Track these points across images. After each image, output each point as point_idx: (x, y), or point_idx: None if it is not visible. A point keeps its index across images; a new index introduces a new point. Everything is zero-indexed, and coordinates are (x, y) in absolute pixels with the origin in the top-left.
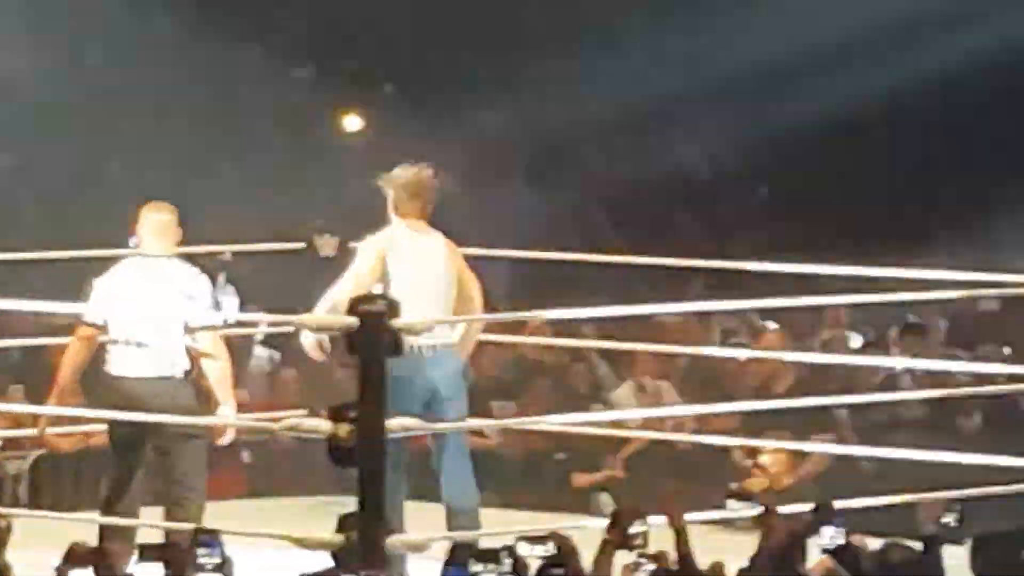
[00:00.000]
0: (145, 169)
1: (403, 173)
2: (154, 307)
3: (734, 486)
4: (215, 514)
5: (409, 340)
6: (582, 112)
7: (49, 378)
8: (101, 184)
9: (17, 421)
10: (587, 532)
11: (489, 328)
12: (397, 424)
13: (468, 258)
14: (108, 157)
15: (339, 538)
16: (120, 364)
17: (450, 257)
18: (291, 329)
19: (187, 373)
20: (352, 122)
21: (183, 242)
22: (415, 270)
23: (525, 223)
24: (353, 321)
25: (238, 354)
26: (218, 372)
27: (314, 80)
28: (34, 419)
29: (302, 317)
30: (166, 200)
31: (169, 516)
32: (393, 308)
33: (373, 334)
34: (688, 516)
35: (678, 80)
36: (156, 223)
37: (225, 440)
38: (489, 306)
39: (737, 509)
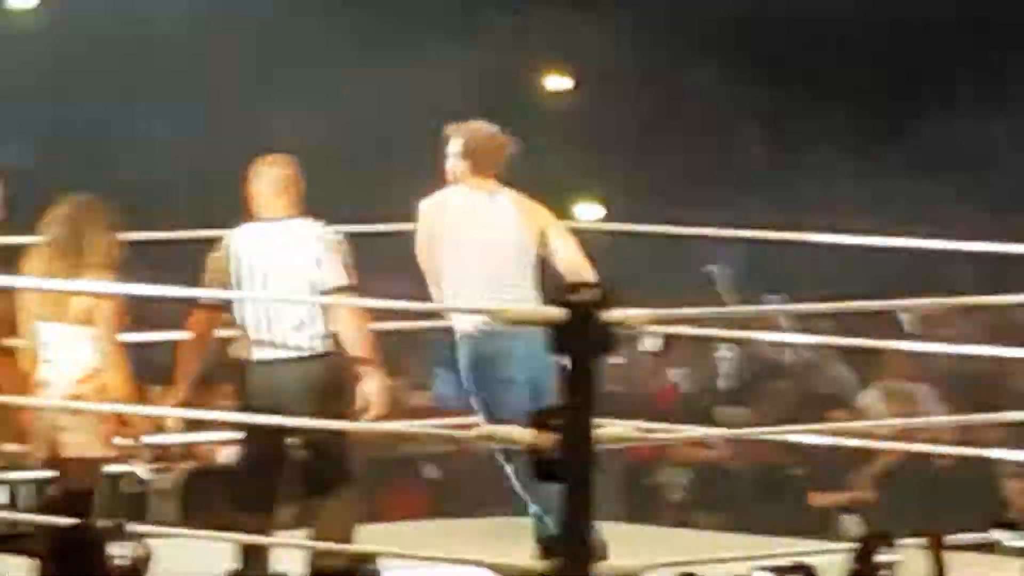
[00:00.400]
0: None
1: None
2: (281, 277)
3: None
4: (396, 536)
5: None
6: None
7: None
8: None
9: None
10: (829, 560)
11: (716, 321)
12: (608, 433)
13: None
14: None
15: (540, 564)
16: (251, 348)
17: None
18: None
19: (328, 352)
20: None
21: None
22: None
23: None
24: (560, 313)
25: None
26: (357, 340)
27: None
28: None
29: (501, 308)
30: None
31: (316, 532)
32: (607, 298)
33: (583, 328)
34: (949, 542)
35: None
36: (274, 179)
37: (373, 414)
38: None
39: (1007, 538)
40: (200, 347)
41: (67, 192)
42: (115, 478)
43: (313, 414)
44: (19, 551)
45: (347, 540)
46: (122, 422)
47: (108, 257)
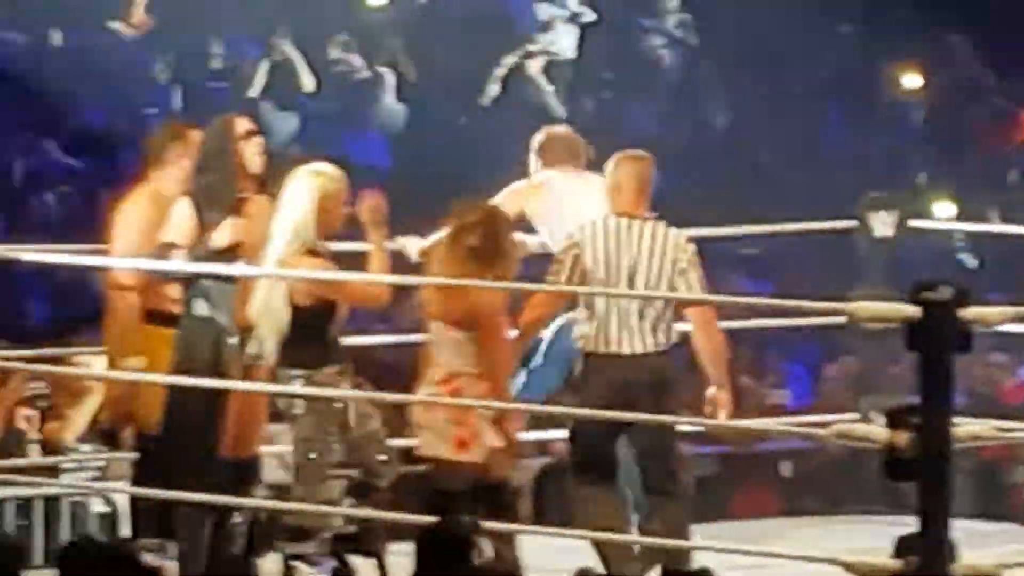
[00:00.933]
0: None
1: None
2: (644, 276)
3: None
4: (749, 534)
5: None
6: None
7: None
8: None
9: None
10: None
11: None
12: (965, 431)
13: None
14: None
15: (896, 563)
16: (607, 341)
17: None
18: (842, 320)
19: (670, 348)
20: (910, 80)
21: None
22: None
23: None
24: (915, 311)
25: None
26: (712, 348)
27: (862, 34)
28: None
29: (854, 305)
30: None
31: (652, 530)
32: (963, 295)
33: (939, 326)
34: None
35: None
36: (639, 174)
37: (722, 418)
38: None
39: None
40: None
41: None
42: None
43: (657, 410)
44: (363, 551)
45: (681, 538)
46: (497, 423)
47: (513, 269)
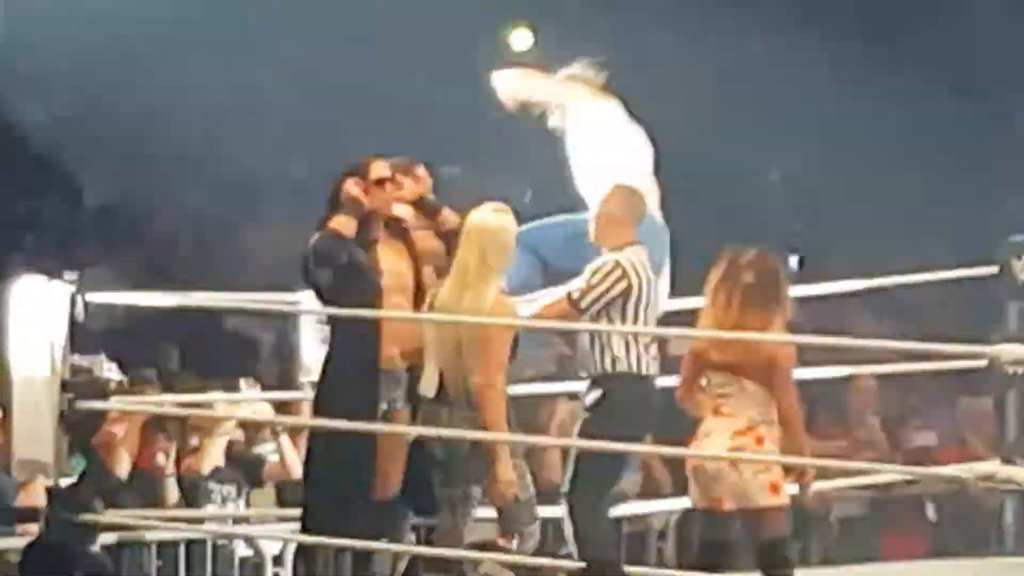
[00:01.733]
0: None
1: None
2: None
3: None
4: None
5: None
6: None
7: None
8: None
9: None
10: None
11: None
12: None
13: None
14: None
15: None
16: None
17: None
18: (983, 363)
19: None
20: None
21: None
22: None
23: None
24: None
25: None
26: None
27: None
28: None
29: (996, 348)
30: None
31: None
32: None
33: None
34: None
35: None
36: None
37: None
38: None
39: None
40: None
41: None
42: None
43: None
44: None
45: None
46: (790, 472)
47: (789, 312)
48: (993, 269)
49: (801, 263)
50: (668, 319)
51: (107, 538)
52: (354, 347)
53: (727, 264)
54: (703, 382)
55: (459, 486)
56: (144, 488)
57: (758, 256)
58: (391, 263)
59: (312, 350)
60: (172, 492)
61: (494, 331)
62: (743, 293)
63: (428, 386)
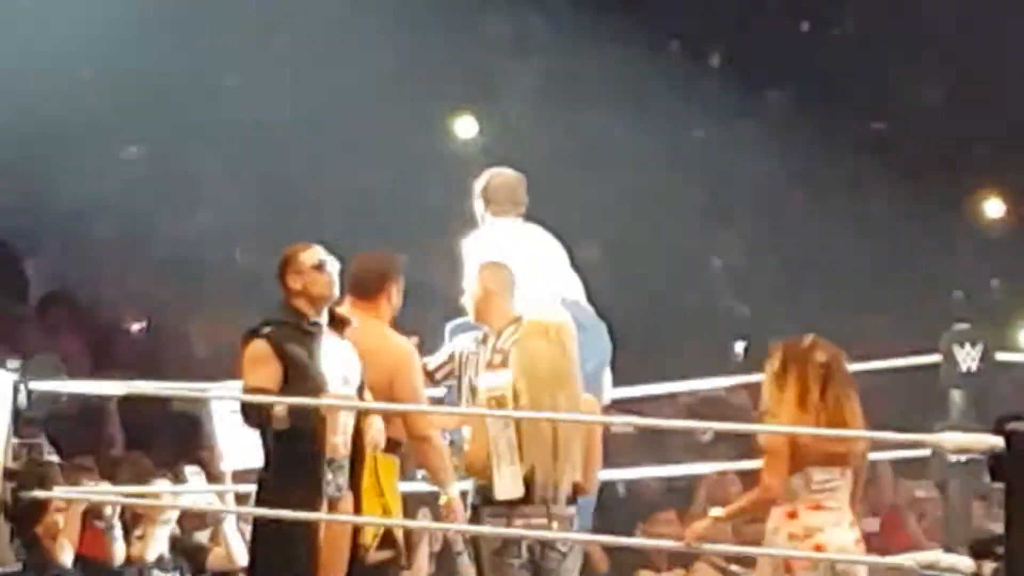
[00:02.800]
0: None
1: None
2: None
3: None
4: None
5: None
6: None
7: None
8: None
9: None
10: None
11: None
12: None
13: None
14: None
15: None
16: None
17: None
18: (926, 452)
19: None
20: (992, 207)
21: None
22: None
23: None
24: (998, 442)
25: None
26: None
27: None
28: None
29: (938, 436)
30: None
31: None
32: None
33: (1022, 456)
34: None
35: None
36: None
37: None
38: None
39: None
40: None
41: None
42: None
43: None
44: None
45: None
46: None
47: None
48: (936, 358)
49: (746, 350)
50: (615, 407)
51: None
52: (299, 436)
53: (792, 355)
54: (798, 477)
55: None
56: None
57: (817, 342)
58: (337, 352)
59: (228, 437)
60: None
61: (596, 429)
62: (823, 379)
63: (514, 487)
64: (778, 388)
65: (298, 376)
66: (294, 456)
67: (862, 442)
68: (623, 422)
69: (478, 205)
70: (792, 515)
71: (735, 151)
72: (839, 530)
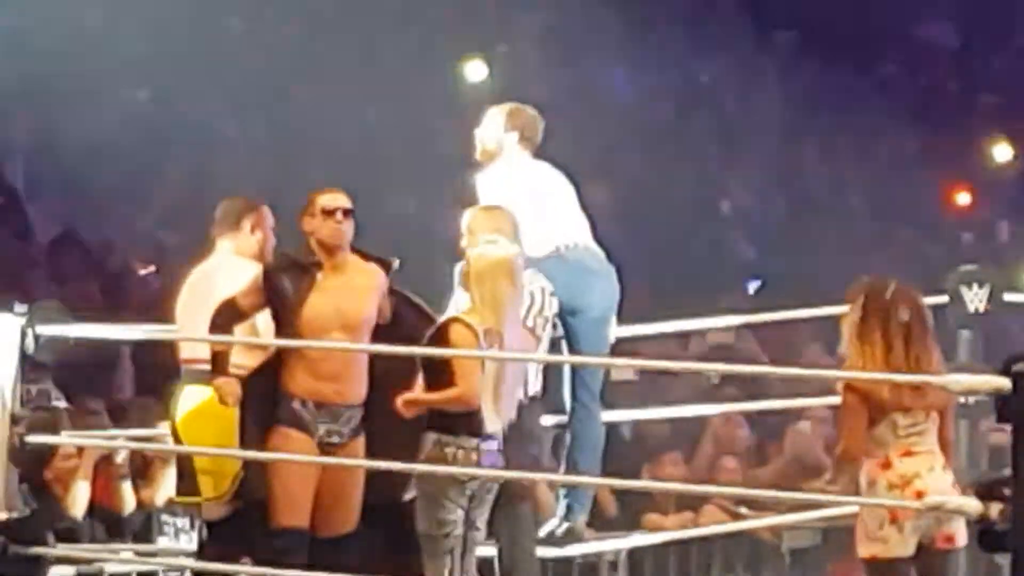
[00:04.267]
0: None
1: None
2: None
3: None
4: None
5: None
6: None
7: None
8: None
9: None
10: None
11: None
12: None
13: None
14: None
15: None
16: None
17: None
18: None
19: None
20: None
21: None
22: None
23: None
24: (1005, 383)
25: None
26: None
27: None
28: None
29: (946, 378)
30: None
31: None
32: None
33: None
34: None
35: None
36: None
37: None
38: None
39: None
40: None
41: None
42: None
43: None
44: None
45: None
46: None
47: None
48: (943, 298)
49: (761, 287)
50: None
51: (64, 572)
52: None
53: (874, 307)
54: (884, 426)
55: None
56: (104, 521)
57: (899, 294)
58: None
59: None
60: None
61: None
62: (906, 338)
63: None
64: (859, 340)
65: (284, 311)
66: (256, 393)
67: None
68: (625, 364)
69: (507, 137)
70: (885, 465)
71: (743, 93)
72: (934, 475)
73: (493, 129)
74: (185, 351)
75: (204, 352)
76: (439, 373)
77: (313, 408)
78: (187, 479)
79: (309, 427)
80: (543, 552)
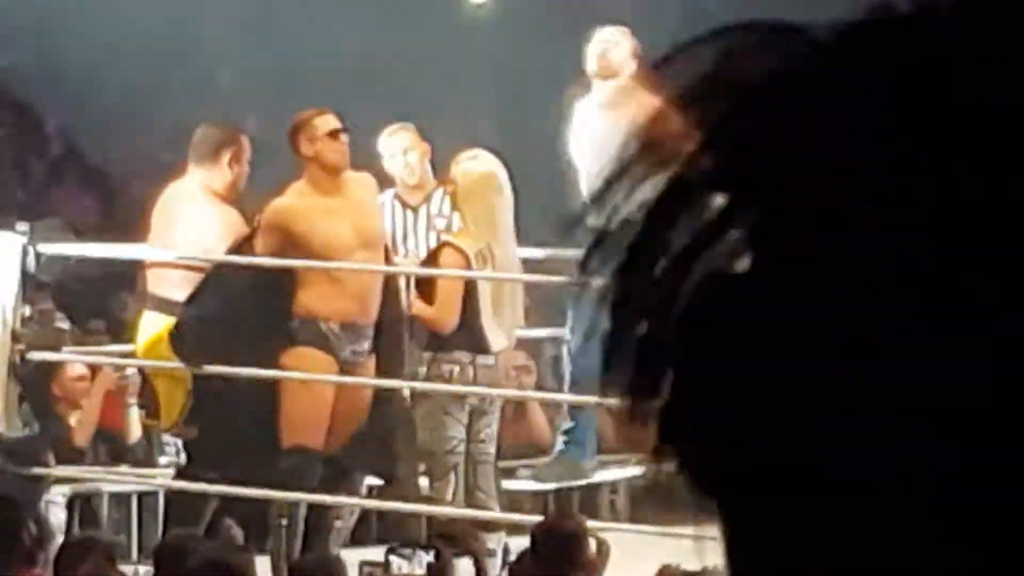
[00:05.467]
0: None
1: None
2: None
3: None
4: None
5: None
6: None
7: None
8: None
9: None
10: None
11: None
12: None
13: None
14: None
15: None
16: None
17: None
18: None
19: None
20: None
21: None
22: None
23: None
24: None
25: None
26: None
27: None
28: None
29: None
30: None
31: None
32: None
33: None
34: None
35: None
36: None
37: None
38: None
39: None
40: None
41: None
42: None
43: None
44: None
45: None
46: None
47: None
48: None
49: None
50: None
51: (63, 491)
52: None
53: None
54: None
55: None
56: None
57: None
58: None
59: None
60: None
61: None
62: None
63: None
64: None
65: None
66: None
67: None
68: None
69: (629, 63)
70: None
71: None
72: None
73: (623, 49)
74: (151, 282)
75: (165, 282)
76: (425, 296)
77: (338, 329)
78: (151, 405)
79: (335, 348)
80: (539, 486)
